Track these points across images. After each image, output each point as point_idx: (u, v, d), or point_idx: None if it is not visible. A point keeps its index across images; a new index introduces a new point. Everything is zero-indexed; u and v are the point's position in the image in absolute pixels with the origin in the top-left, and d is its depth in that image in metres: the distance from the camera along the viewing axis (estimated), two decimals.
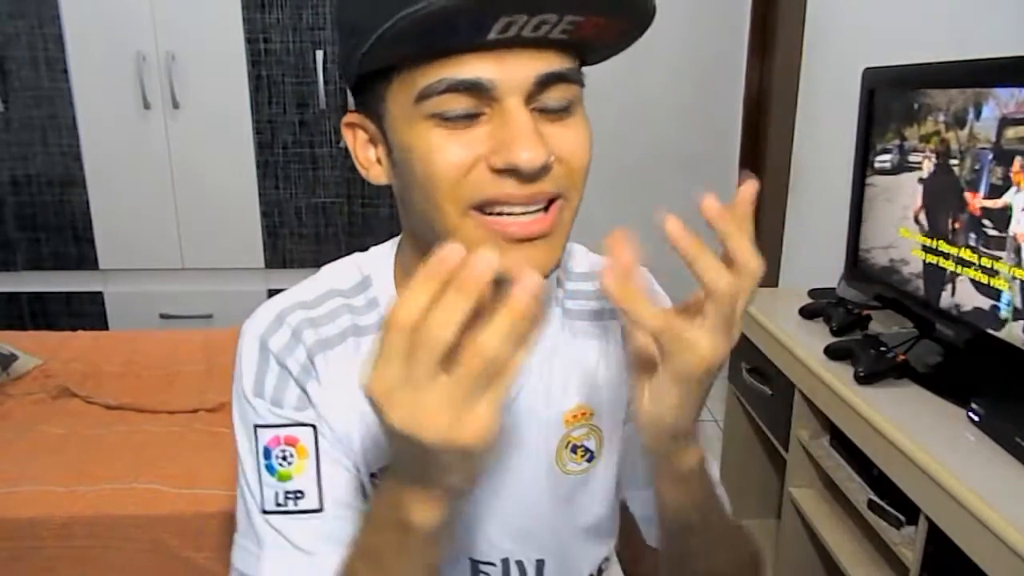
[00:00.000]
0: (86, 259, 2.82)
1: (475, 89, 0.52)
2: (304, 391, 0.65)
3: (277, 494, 0.64)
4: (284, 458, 0.64)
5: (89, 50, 2.63)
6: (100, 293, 2.88)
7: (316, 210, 2.82)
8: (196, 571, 1.38)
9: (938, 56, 1.33)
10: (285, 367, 0.65)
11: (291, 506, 0.63)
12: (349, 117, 0.61)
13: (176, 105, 2.69)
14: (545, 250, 0.56)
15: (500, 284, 0.57)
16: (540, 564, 0.73)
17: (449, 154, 0.54)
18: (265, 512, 0.64)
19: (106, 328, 2.86)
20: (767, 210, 2.92)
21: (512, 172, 0.53)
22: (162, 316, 2.88)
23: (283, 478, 0.64)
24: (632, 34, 0.56)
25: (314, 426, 0.65)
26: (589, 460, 0.72)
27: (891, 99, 1.43)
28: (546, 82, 0.54)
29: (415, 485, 0.48)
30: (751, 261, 0.50)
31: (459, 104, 0.53)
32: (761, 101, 2.96)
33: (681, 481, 0.59)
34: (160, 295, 2.88)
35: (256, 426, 0.65)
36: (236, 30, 2.64)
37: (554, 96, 0.55)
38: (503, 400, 0.43)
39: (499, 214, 0.55)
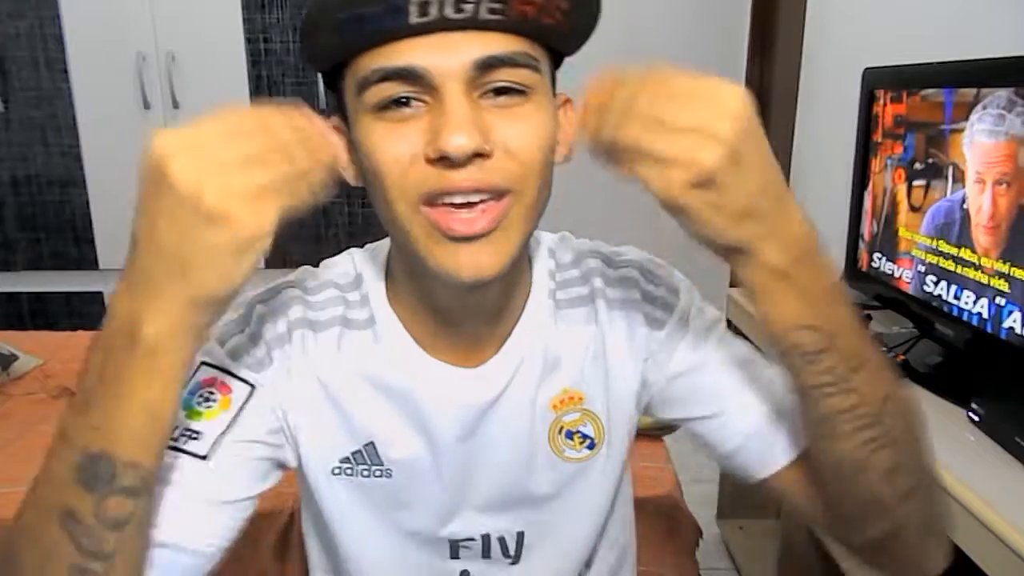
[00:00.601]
0: (86, 259, 2.82)
1: (410, 77, 0.51)
2: (270, 358, 0.64)
3: (177, 428, 0.60)
4: (206, 399, 0.62)
5: (89, 50, 2.63)
6: (100, 293, 2.88)
7: (316, 210, 2.81)
8: None
9: (938, 56, 1.33)
10: (259, 331, 0.65)
11: (180, 443, 0.59)
12: (330, 122, 0.61)
13: (176, 105, 2.69)
14: (492, 251, 0.54)
15: (447, 283, 0.57)
16: (520, 536, 0.73)
17: (390, 147, 0.53)
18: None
19: None
20: None
21: (446, 161, 0.51)
22: None
23: (192, 416, 0.61)
24: (580, 15, 0.54)
25: (254, 387, 0.63)
26: (590, 448, 0.71)
27: (891, 99, 1.43)
28: (487, 66, 0.51)
29: (159, 286, 0.46)
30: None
31: (395, 93, 0.52)
32: (761, 101, 2.95)
33: (791, 298, 0.50)
34: None
35: (202, 363, 0.63)
36: (236, 30, 2.64)
37: (500, 82, 0.52)
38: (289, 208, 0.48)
39: (445, 205, 0.53)
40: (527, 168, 0.54)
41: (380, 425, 0.67)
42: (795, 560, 1.61)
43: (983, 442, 1.10)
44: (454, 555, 0.72)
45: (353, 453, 0.67)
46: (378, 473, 0.67)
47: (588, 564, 0.78)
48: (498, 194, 0.53)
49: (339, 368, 0.66)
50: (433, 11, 0.49)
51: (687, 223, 0.49)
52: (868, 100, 1.51)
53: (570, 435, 0.71)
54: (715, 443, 0.69)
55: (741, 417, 0.67)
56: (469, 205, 0.53)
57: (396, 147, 0.53)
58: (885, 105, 1.46)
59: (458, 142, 0.50)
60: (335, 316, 0.67)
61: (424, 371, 0.66)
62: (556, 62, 0.60)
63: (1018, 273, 1.11)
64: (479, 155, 0.51)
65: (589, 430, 0.71)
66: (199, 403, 0.61)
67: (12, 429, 1.70)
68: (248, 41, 2.65)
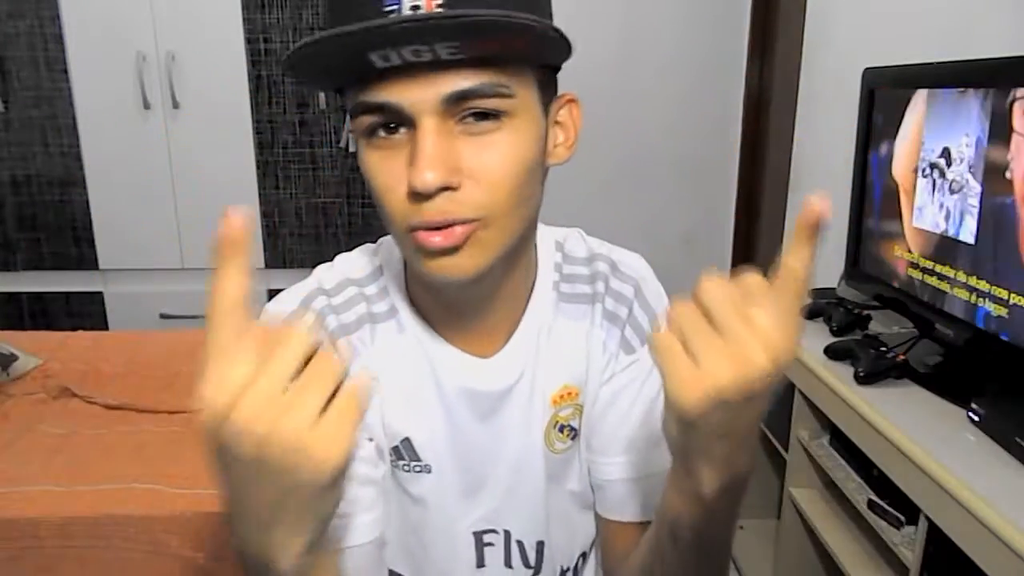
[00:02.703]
0: (86, 259, 2.82)
1: (388, 111, 0.54)
2: None
3: None
4: None
5: (89, 50, 2.63)
6: (100, 293, 2.88)
7: (316, 210, 2.82)
8: (196, 571, 1.38)
9: (938, 56, 1.33)
10: None
11: None
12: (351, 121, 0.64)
13: (176, 105, 2.69)
14: (468, 257, 0.57)
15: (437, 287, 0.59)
16: (540, 545, 0.75)
17: (382, 177, 0.57)
18: None
19: (106, 328, 2.86)
20: (767, 210, 2.92)
21: (417, 195, 0.54)
22: (162, 316, 2.88)
23: None
24: (540, 46, 0.55)
25: None
26: (573, 438, 0.74)
27: (891, 99, 1.43)
28: (458, 99, 0.54)
29: (270, 543, 0.44)
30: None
31: (377, 125, 0.56)
32: (761, 101, 2.96)
33: (690, 499, 0.53)
34: (160, 295, 2.88)
35: None
36: (236, 30, 2.64)
37: (472, 111, 0.55)
38: (357, 419, 0.41)
39: (424, 229, 0.56)
40: (495, 195, 0.56)
41: (413, 418, 0.69)
42: (795, 560, 1.61)
43: (983, 442, 1.10)
44: (480, 559, 0.74)
45: (393, 448, 0.70)
46: (418, 468, 0.70)
47: (584, 553, 0.80)
48: (467, 221, 0.56)
49: (377, 361, 0.68)
50: (395, 59, 0.51)
51: (680, 428, 0.47)
52: (868, 100, 1.51)
53: (561, 428, 0.73)
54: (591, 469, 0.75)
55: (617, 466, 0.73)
56: (441, 228, 0.56)
57: (386, 178, 0.56)
58: (885, 105, 1.45)
59: (424, 179, 0.53)
60: (361, 315, 0.69)
61: (445, 358, 0.69)
62: (553, 68, 0.61)
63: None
64: (447, 188, 0.54)
65: (576, 422, 0.74)
66: None
67: (12, 429, 1.70)
68: (248, 41, 2.65)
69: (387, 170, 0.56)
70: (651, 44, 3.03)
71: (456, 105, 0.54)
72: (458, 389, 0.69)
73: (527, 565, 0.75)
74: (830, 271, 1.82)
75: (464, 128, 0.55)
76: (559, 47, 0.55)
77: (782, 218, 2.50)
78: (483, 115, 0.55)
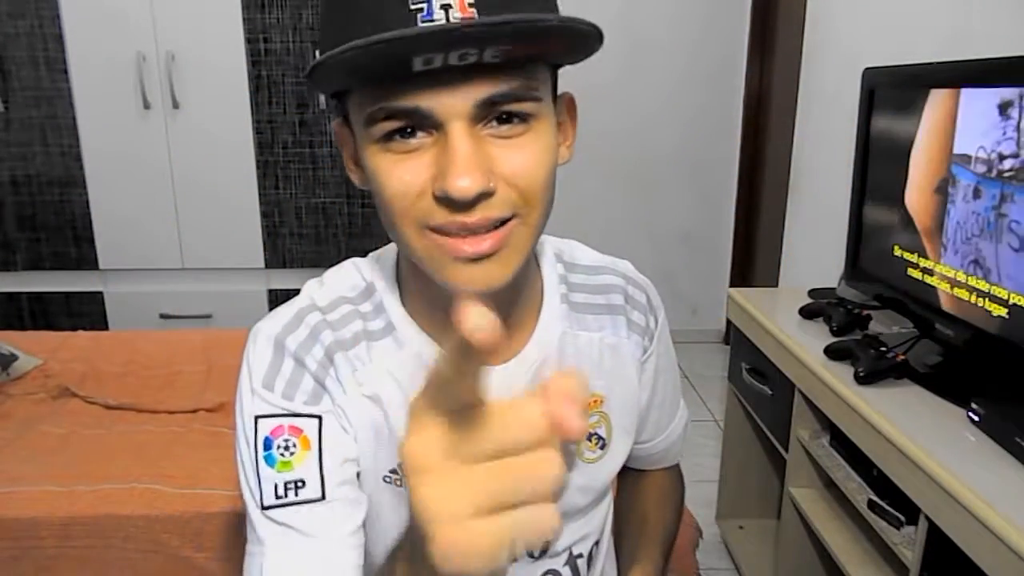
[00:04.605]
0: (86, 259, 2.82)
1: (415, 116, 0.53)
2: (322, 385, 0.65)
3: (277, 486, 0.62)
4: (286, 448, 0.63)
5: (89, 50, 2.64)
6: (100, 293, 2.88)
7: (316, 210, 2.82)
8: (196, 571, 1.38)
9: (938, 56, 1.33)
10: (302, 363, 0.65)
11: (292, 497, 0.62)
12: (335, 124, 0.63)
13: (176, 105, 2.69)
14: (499, 265, 0.57)
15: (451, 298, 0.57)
16: (591, 556, 0.77)
17: (396, 180, 0.55)
18: (264, 508, 0.63)
19: (106, 328, 2.86)
20: (767, 210, 2.92)
21: (452, 201, 0.53)
22: (162, 316, 2.88)
23: (284, 467, 0.62)
24: (579, 47, 0.54)
25: (320, 417, 0.64)
26: (602, 447, 0.75)
27: (891, 98, 1.43)
28: (490, 104, 0.53)
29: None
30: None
31: (401, 126, 0.54)
32: (761, 101, 2.96)
33: None
34: (160, 295, 2.88)
35: (257, 417, 0.64)
36: (236, 30, 2.64)
37: (503, 116, 0.54)
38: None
39: (452, 233, 0.55)
40: (530, 194, 0.56)
41: None
42: (795, 560, 1.61)
43: (983, 442, 1.10)
44: None
45: (400, 465, 0.67)
46: None
47: (597, 541, 0.81)
48: (502, 222, 0.56)
49: (375, 379, 0.67)
50: (438, 62, 0.50)
51: None
52: (868, 100, 1.51)
53: (588, 437, 0.73)
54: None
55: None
56: (474, 232, 0.55)
57: (403, 180, 0.55)
58: (884, 105, 1.45)
59: (463, 185, 0.52)
60: (357, 332, 0.68)
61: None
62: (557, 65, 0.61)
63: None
64: (484, 194, 0.53)
65: (603, 431, 0.74)
66: (282, 455, 0.63)
67: (12, 429, 1.70)
68: (248, 41, 2.65)
69: (404, 173, 0.55)
70: (651, 44, 3.03)
71: (486, 108, 0.53)
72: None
73: (531, 555, 0.75)
74: (830, 271, 1.82)
75: (492, 131, 0.54)
76: (590, 50, 0.55)
77: (782, 218, 2.50)
78: (510, 116, 0.54)
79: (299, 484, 0.62)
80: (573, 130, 0.65)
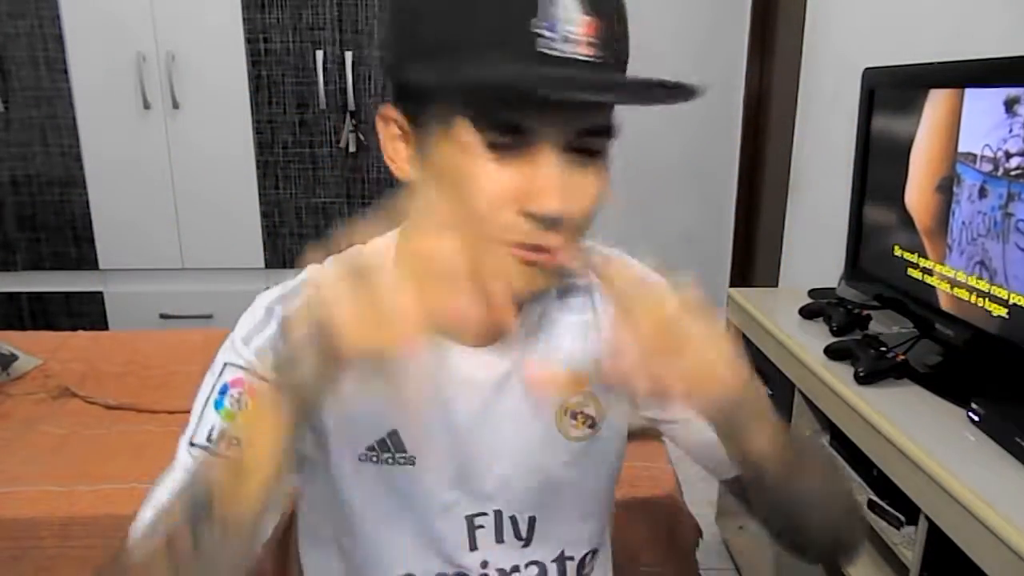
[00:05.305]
0: (86, 259, 2.82)
1: (516, 131, 0.55)
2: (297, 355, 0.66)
3: (212, 429, 0.63)
4: (238, 401, 0.64)
5: (89, 50, 2.63)
6: (100, 293, 2.88)
7: (316, 210, 2.82)
8: None
9: (938, 56, 1.33)
10: (285, 331, 0.65)
11: (218, 448, 0.62)
12: (385, 110, 0.63)
13: (176, 105, 2.69)
14: (544, 278, 0.61)
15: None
16: (532, 520, 0.75)
17: (490, 185, 0.57)
18: (192, 444, 0.64)
19: (106, 328, 2.86)
20: (767, 210, 2.92)
21: (535, 217, 0.56)
22: (162, 316, 2.88)
23: (227, 418, 0.63)
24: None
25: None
26: (591, 427, 0.75)
27: (891, 99, 1.43)
28: (583, 134, 0.57)
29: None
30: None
31: (497, 140, 0.56)
32: (761, 102, 2.96)
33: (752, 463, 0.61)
34: (160, 295, 2.88)
35: (226, 363, 0.65)
36: (236, 30, 2.64)
37: (590, 144, 0.58)
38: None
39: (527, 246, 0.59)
40: (589, 221, 0.61)
41: (402, 411, 0.69)
42: (795, 560, 1.61)
43: (983, 442, 1.10)
44: (472, 543, 0.74)
45: (378, 441, 0.69)
46: (402, 460, 0.70)
47: (594, 550, 0.80)
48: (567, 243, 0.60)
49: None
50: (569, 95, 0.53)
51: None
52: (868, 100, 1.51)
53: (574, 415, 0.74)
54: (681, 443, 0.78)
55: (700, 428, 0.72)
56: (547, 248, 0.59)
57: (491, 189, 0.57)
58: (885, 105, 1.45)
59: (554, 208, 0.56)
60: None
61: (438, 350, 0.69)
62: None
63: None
64: (563, 219, 0.57)
65: (591, 410, 0.74)
66: (231, 405, 0.64)
67: (12, 429, 1.70)
68: (248, 41, 2.65)
69: (492, 183, 0.57)
70: (651, 44, 3.02)
71: (578, 137, 0.57)
72: (453, 382, 0.69)
73: (519, 537, 0.75)
74: (830, 271, 1.82)
75: (573, 157, 0.57)
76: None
77: (782, 218, 2.50)
78: (591, 146, 0.58)
79: (232, 441, 0.60)
80: None
